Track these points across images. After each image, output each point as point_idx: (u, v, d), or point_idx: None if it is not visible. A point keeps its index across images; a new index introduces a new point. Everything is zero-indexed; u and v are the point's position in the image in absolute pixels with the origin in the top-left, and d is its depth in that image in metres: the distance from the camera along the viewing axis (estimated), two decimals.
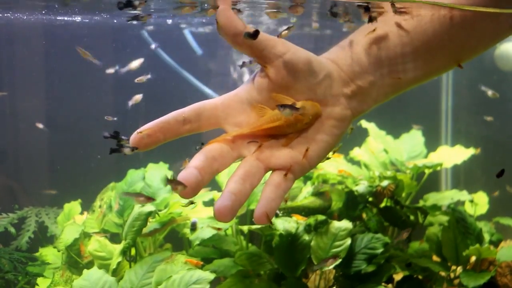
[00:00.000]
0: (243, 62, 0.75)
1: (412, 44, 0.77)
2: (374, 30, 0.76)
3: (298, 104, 0.71)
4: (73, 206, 1.93)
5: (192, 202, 1.30)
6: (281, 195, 0.69)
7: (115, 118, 1.79)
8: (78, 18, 1.83)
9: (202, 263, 1.56)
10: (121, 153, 0.68)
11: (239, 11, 0.90)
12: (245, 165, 0.69)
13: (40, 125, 1.82)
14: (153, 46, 2.14)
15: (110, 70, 1.99)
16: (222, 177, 1.81)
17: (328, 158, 0.78)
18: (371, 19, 0.76)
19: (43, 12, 1.68)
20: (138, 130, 0.69)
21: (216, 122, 0.72)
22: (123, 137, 0.69)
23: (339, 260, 1.46)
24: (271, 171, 0.71)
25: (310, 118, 0.72)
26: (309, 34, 2.29)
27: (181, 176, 0.64)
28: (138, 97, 1.88)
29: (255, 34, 0.69)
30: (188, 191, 0.64)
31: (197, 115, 0.71)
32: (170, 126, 0.70)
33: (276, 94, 0.72)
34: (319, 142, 0.73)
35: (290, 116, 0.70)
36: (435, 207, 1.99)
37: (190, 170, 0.65)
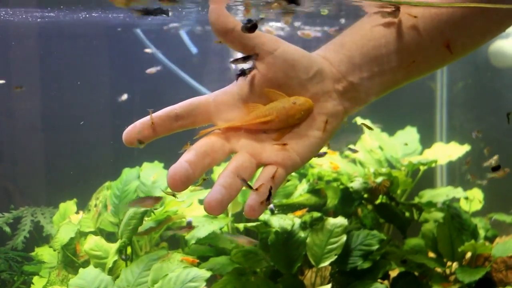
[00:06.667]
0: (236, 59, 0.74)
1: (403, 42, 0.77)
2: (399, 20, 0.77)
3: (290, 99, 0.72)
4: (69, 206, 1.93)
5: (173, 195, 1.33)
6: (272, 190, 0.69)
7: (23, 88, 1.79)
8: (73, 16, 1.83)
9: (198, 261, 1.56)
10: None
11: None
12: (237, 160, 0.70)
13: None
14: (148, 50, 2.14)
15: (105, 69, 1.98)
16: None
17: (320, 155, 0.79)
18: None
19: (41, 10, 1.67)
20: (131, 126, 0.70)
21: (208, 118, 0.73)
22: None
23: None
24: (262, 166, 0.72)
25: (302, 113, 0.72)
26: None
27: (171, 169, 0.65)
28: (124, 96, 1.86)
29: (253, 27, 0.69)
30: (178, 184, 0.65)
31: (189, 111, 0.72)
32: (162, 122, 0.70)
33: (268, 89, 0.72)
34: (311, 138, 0.74)
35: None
36: (430, 204, 2.00)
37: (181, 163, 0.66)
